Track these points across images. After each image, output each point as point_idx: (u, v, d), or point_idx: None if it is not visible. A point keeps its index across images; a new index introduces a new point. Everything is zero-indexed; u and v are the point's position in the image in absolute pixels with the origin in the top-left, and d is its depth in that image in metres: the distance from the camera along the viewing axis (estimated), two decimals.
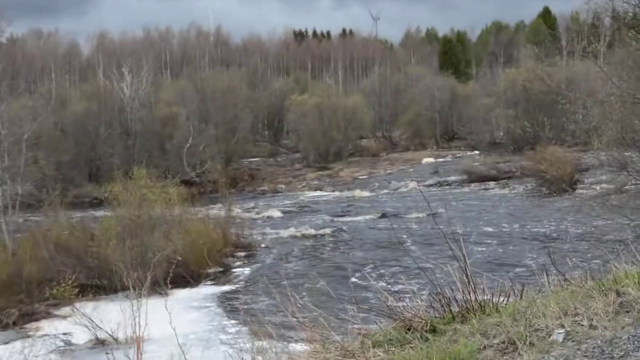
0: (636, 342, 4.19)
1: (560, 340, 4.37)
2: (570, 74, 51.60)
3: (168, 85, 70.89)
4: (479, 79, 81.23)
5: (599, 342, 4.23)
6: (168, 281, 9.23)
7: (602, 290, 5.16)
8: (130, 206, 23.84)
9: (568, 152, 38.83)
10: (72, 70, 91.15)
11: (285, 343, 5.67)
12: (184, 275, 21.62)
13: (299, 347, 5.78)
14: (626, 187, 19.77)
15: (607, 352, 4.09)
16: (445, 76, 73.74)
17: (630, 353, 4.09)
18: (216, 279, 23.44)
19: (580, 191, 33.62)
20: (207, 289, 22.30)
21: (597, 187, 32.67)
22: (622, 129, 19.31)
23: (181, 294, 21.39)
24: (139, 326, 5.42)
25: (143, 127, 48.69)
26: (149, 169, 30.77)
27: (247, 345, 5.81)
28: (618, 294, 5.02)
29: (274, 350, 5.42)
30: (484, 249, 24.69)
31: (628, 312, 4.80)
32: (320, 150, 57.53)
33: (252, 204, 39.73)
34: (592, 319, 4.63)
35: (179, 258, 21.39)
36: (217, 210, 31.60)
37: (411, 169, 52.78)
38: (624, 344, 4.20)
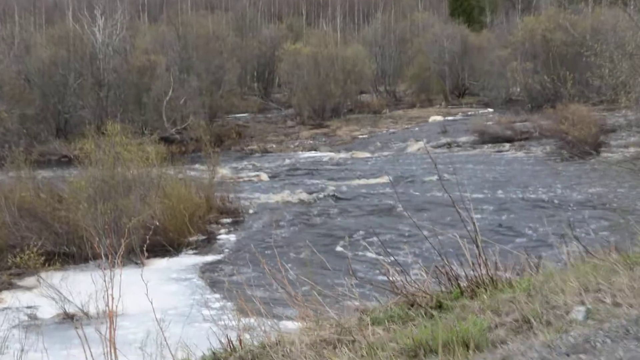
0: None
1: (580, 318, 4.39)
2: (597, 22, 51.44)
3: (145, 31, 70.51)
4: (494, 28, 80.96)
5: (624, 321, 4.25)
6: (145, 249, 9.25)
7: (628, 264, 5.18)
8: (103, 166, 23.79)
9: (592, 110, 38.82)
10: (38, 12, 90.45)
11: (275, 320, 5.69)
12: (162, 244, 21.65)
13: (290, 324, 5.80)
14: None
15: (632, 332, 4.10)
16: (457, 24, 73.31)
17: None
18: (198, 248, 23.49)
19: (606, 154, 33.69)
20: (188, 259, 22.35)
21: (625, 150, 32.76)
22: None
23: (159, 264, 21.45)
24: (112, 299, 5.43)
25: (117, 77, 48.41)
26: (124, 125, 30.64)
27: (233, 322, 5.83)
28: None
29: (262, 327, 5.45)
30: (496, 217, 24.76)
31: None
32: (315, 105, 57.36)
33: (239, 165, 39.73)
34: (616, 296, 4.65)
35: (157, 224, 21.52)
36: (200, 172, 31.56)
37: (417, 128, 52.75)
38: None
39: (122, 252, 6.09)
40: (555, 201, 26.61)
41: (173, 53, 53.25)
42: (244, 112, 62.05)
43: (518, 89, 59.12)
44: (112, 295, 5.45)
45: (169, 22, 65.11)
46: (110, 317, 5.43)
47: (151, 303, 5.79)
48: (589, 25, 52.13)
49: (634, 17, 20.67)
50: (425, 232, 6.64)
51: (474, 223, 5.75)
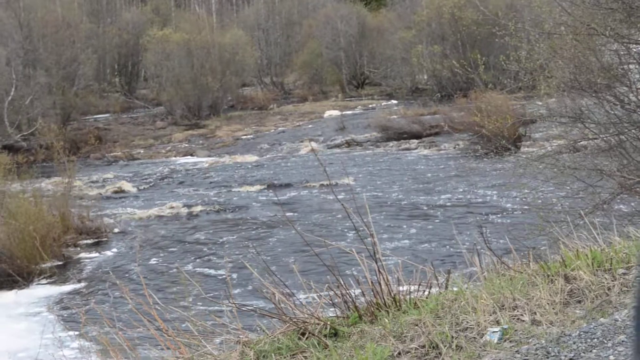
0: (589, 340, 4.31)
1: (495, 340, 4.47)
2: None
3: None
4: (395, 6, 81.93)
5: (543, 341, 4.34)
6: None
7: (548, 276, 5.29)
8: None
9: (510, 99, 39.61)
10: None
11: None
12: (8, 273, 21.22)
13: None
14: (581, 143, 20.28)
15: (553, 353, 4.19)
16: (352, 3, 73.89)
17: (582, 354, 4.20)
18: (53, 277, 23.08)
19: (525, 149, 34.43)
20: (40, 290, 21.94)
21: (546, 144, 33.48)
22: (576, 68, 19.72)
23: (5, 298, 21.02)
24: None
25: None
26: None
27: None
28: (567, 279, 5.17)
29: None
30: (400, 227, 25.05)
31: (579, 302, 4.95)
32: (189, 102, 57.07)
33: (100, 175, 39.22)
34: (535, 313, 4.75)
35: (1, 250, 21.07)
36: (53, 185, 31.05)
37: (310, 125, 53.00)
38: (574, 342, 4.31)
39: None
40: (468, 205, 27.11)
41: (14, 44, 52.12)
42: (104, 113, 61.31)
43: (425, 77, 59.98)
44: None
45: (8, 7, 63.77)
46: None
47: None
48: (502, 1, 53.17)
49: None
50: (318, 248, 6.66)
51: (372, 235, 5.79)
